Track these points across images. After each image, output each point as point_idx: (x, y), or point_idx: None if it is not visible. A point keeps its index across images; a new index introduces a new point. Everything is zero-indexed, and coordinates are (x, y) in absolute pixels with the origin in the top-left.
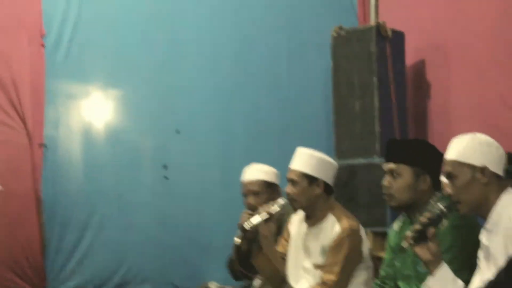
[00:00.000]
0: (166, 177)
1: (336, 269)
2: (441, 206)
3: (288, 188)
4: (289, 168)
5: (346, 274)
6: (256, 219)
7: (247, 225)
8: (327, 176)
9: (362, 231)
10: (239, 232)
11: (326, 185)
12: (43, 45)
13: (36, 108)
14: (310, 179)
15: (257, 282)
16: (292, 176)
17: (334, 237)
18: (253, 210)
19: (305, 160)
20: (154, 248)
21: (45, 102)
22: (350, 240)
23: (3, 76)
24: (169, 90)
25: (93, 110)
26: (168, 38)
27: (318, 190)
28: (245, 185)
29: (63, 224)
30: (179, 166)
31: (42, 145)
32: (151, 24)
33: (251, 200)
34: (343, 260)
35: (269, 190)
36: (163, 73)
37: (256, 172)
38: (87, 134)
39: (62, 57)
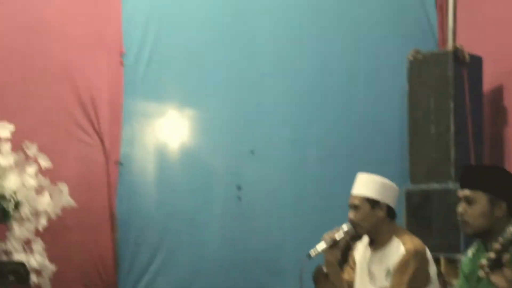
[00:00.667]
0: (239, 198)
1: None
2: None
3: (351, 214)
4: (351, 194)
5: None
6: (321, 246)
7: (312, 252)
8: (389, 199)
9: (428, 253)
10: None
11: (388, 208)
12: (122, 64)
13: (114, 126)
14: (372, 203)
15: None
16: (354, 201)
17: (399, 258)
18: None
19: (366, 184)
20: (225, 268)
21: (122, 120)
22: (415, 261)
23: (82, 95)
24: (244, 110)
25: (168, 130)
26: (245, 59)
27: (381, 214)
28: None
29: (137, 242)
30: (252, 187)
31: (118, 163)
32: (228, 44)
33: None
34: (409, 281)
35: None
36: (239, 94)
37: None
38: (162, 154)
39: (140, 76)
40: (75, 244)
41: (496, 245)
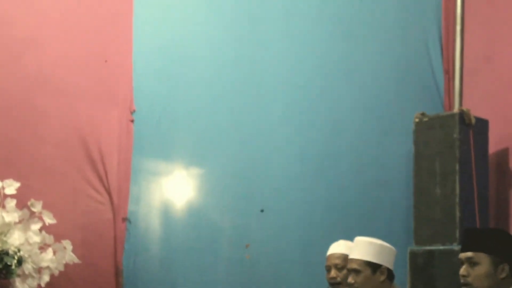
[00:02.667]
0: (247, 256)
1: None
2: None
3: (351, 278)
4: (350, 258)
5: None
6: None
7: None
8: (389, 262)
9: None
10: None
11: (388, 271)
12: (132, 121)
13: (122, 183)
14: (374, 267)
15: None
16: (355, 265)
17: None
18: (333, 285)
19: (366, 248)
20: None
21: (130, 178)
22: None
23: (92, 150)
24: (253, 170)
25: (175, 188)
26: (253, 118)
27: (382, 277)
28: (329, 258)
29: None
30: (259, 246)
31: (126, 219)
32: (237, 103)
33: (334, 273)
34: None
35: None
36: (247, 153)
37: (340, 246)
38: (168, 212)
39: (150, 134)
40: None
41: None
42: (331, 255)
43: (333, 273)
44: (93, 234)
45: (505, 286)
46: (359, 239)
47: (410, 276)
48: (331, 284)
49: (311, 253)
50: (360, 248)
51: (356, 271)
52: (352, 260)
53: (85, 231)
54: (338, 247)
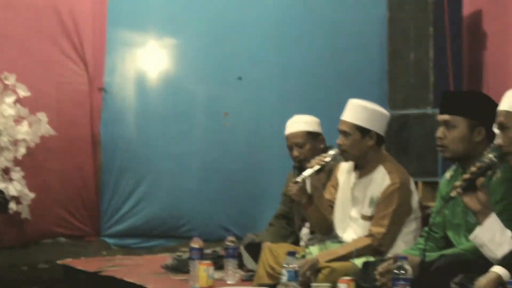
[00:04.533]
0: (226, 124)
1: (385, 222)
2: (491, 156)
3: (340, 140)
4: (341, 120)
5: (395, 226)
6: (308, 172)
7: (299, 179)
8: (379, 127)
9: (412, 184)
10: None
11: (378, 136)
12: None
13: (97, 53)
14: (363, 131)
15: (304, 231)
16: (345, 127)
17: (384, 189)
18: (299, 162)
19: (358, 112)
20: (208, 195)
21: (106, 49)
22: (399, 193)
23: (66, 21)
24: (228, 38)
25: (150, 58)
26: None
27: (370, 142)
28: (289, 138)
29: (121, 168)
30: (236, 114)
31: (101, 89)
32: None
33: (296, 152)
34: (392, 214)
35: (312, 140)
36: (223, 21)
37: (298, 124)
38: (144, 82)
39: (124, 5)
40: (57, 171)
41: (473, 168)
42: (290, 134)
43: (295, 152)
44: (68, 105)
45: (481, 149)
46: (353, 101)
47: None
48: (296, 162)
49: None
50: (352, 111)
51: (345, 133)
52: (343, 122)
53: (60, 102)
54: (295, 125)
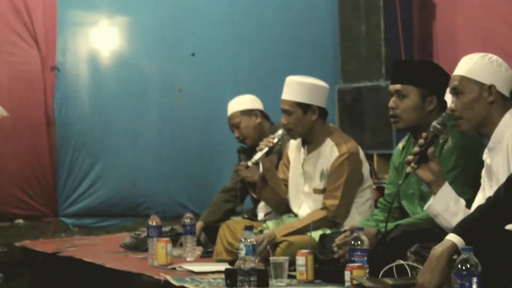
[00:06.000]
0: (181, 100)
1: (338, 193)
2: (435, 124)
3: (284, 119)
4: (282, 99)
5: (347, 197)
6: (258, 156)
7: (250, 163)
8: (320, 100)
9: (361, 153)
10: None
11: (320, 109)
12: None
13: (49, 32)
14: (304, 107)
15: (261, 205)
16: (286, 106)
17: (333, 161)
18: (242, 142)
19: (296, 88)
20: (165, 172)
21: (57, 28)
22: (349, 163)
23: (16, 1)
24: (179, 14)
25: (101, 38)
26: None
27: (313, 117)
28: (228, 121)
29: (77, 147)
30: (191, 91)
31: (54, 68)
32: None
33: (236, 133)
34: (344, 184)
35: (246, 117)
36: None
37: (232, 105)
38: (96, 61)
39: None
40: (12, 152)
41: (420, 140)
42: (228, 118)
43: (235, 133)
44: (21, 85)
45: (433, 118)
46: (289, 79)
47: (338, 114)
48: (239, 142)
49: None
50: (291, 89)
51: (287, 112)
52: (283, 101)
53: (12, 82)
54: (229, 108)
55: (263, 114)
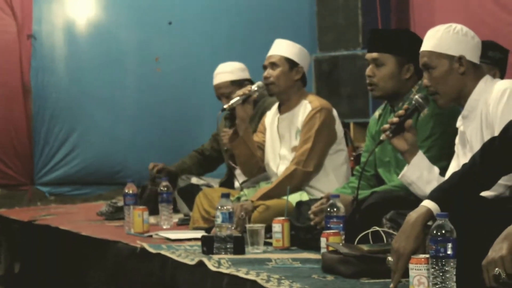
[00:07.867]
0: (158, 69)
1: (308, 144)
2: (417, 97)
3: (267, 72)
4: (268, 55)
5: (318, 147)
6: (234, 100)
7: (226, 106)
8: (305, 65)
9: (335, 113)
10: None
11: (303, 74)
12: None
13: (25, 1)
14: (292, 64)
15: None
16: (273, 59)
17: (306, 115)
18: (232, 111)
19: (286, 46)
20: (142, 141)
21: None
22: (321, 115)
23: None
24: None
25: (79, 6)
26: None
27: (297, 76)
28: (216, 89)
29: (53, 116)
30: (168, 59)
31: (30, 36)
32: None
33: (225, 102)
34: (315, 133)
35: (238, 87)
36: None
37: (221, 74)
38: (73, 30)
39: None
40: None
41: (400, 111)
42: (216, 86)
43: (224, 102)
44: None
45: (410, 86)
46: (279, 40)
47: (315, 83)
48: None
49: (219, 61)
50: (281, 46)
51: (273, 65)
52: (271, 56)
53: None
54: (218, 77)
55: (252, 84)
